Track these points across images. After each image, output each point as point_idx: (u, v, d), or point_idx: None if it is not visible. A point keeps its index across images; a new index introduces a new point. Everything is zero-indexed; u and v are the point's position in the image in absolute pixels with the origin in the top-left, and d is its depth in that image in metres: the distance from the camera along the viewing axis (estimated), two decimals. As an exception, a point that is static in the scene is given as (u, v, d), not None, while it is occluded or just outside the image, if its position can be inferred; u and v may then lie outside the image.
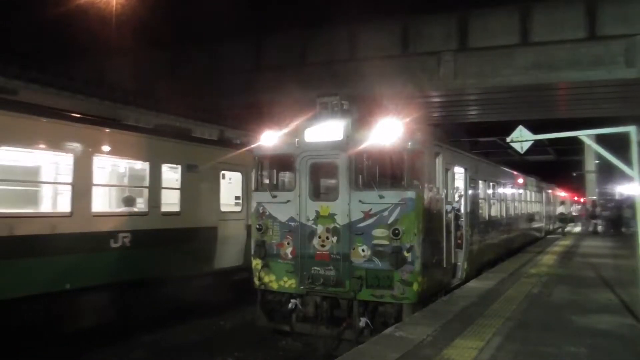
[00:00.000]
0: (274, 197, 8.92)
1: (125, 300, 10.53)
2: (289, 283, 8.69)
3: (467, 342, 6.11)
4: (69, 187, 9.53)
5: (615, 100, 22.90)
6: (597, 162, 34.73)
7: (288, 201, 8.76)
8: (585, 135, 8.38)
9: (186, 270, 11.59)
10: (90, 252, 9.73)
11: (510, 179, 17.26)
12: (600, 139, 9.04)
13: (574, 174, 48.07)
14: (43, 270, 8.93)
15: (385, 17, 22.32)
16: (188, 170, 11.90)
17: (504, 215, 15.59)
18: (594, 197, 36.39)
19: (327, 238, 8.35)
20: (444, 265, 9.12)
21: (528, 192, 21.00)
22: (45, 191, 10.35)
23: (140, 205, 11.26)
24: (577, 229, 33.94)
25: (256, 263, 9.04)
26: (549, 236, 27.11)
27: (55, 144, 9.42)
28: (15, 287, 8.54)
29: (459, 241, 10.24)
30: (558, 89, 21.35)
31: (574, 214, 36.10)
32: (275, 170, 9.60)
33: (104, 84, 21.35)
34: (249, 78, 23.19)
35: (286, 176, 9.51)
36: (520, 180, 18.96)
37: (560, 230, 32.63)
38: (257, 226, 9.05)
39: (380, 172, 8.43)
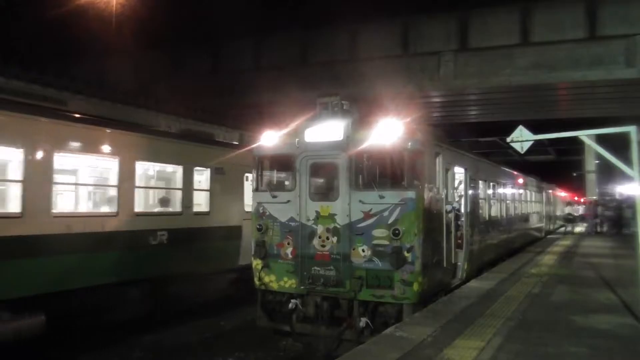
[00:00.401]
0: (274, 197, 8.92)
1: (160, 293, 11.20)
2: (289, 283, 8.69)
3: (467, 342, 6.11)
4: (116, 189, 10.43)
5: (615, 100, 22.86)
6: (597, 162, 34.66)
7: (288, 201, 8.76)
8: (585, 135, 8.38)
9: (214, 266, 12.41)
10: (134, 249, 10.59)
11: (511, 179, 17.26)
12: (601, 139, 9.03)
13: (574, 174, 48.02)
14: (93, 264, 9.78)
15: (385, 17, 22.29)
16: (216, 173, 12.69)
17: (504, 215, 15.58)
18: (598, 197, 36.32)
19: (327, 238, 8.35)
20: (444, 265, 9.12)
21: (528, 192, 21.00)
22: (96, 193, 11.30)
23: (175, 205, 12.06)
24: (578, 229, 33.92)
25: (256, 263, 9.04)
26: (549, 236, 27.12)
27: (106, 150, 10.34)
28: (70, 279, 9.35)
29: (459, 241, 10.24)
30: (558, 89, 21.31)
31: (575, 214, 36.15)
32: (275, 171, 9.60)
33: (104, 84, 21.37)
34: (249, 78, 23.15)
35: (286, 176, 9.51)
36: (521, 180, 18.96)
37: (563, 229, 32.64)
38: (258, 226, 9.05)
39: (380, 172, 8.42)
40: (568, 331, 6.78)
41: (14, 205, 8.85)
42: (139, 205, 11.08)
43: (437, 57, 21.02)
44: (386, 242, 7.90)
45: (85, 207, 10.98)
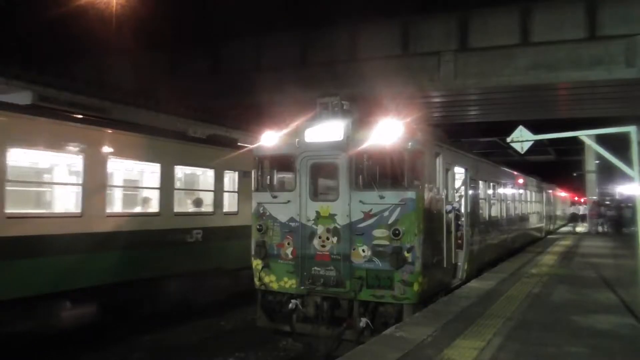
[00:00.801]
0: (275, 197, 8.92)
1: (195, 287, 12.01)
2: (290, 283, 8.68)
3: (467, 342, 6.11)
4: (157, 191, 11.40)
5: (615, 100, 22.87)
6: (597, 162, 34.66)
7: (288, 201, 8.75)
8: (585, 135, 8.38)
9: (241, 262, 13.04)
10: (174, 246, 11.52)
11: (511, 179, 17.26)
12: (601, 139, 9.05)
13: (575, 174, 48.01)
14: (144, 259, 10.82)
15: (385, 17, 22.30)
16: (244, 176, 13.35)
17: (504, 215, 15.58)
18: (602, 197, 36.40)
19: (328, 238, 8.35)
20: (445, 266, 9.11)
21: (528, 192, 20.99)
22: (141, 194, 12.28)
23: (208, 206, 12.95)
24: (579, 228, 33.90)
25: (256, 263, 9.04)
26: (549, 236, 27.12)
27: (152, 157, 11.32)
28: (120, 273, 10.28)
29: (459, 241, 10.24)
30: (558, 89, 21.32)
31: (579, 213, 36.32)
32: (275, 171, 9.60)
33: (104, 84, 21.39)
34: (249, 78, 23.16)
35: (286, 176, 9.51)
36: (521, 181, 18.95)
37: (572, 228, 32.69)
38: (258, 226, 9.04)
39: (380, 173, 8.42)
40: (568, 331, 6.78)
41: (75, 204, 9.81)
42: (177, 206, 11.97)
43: (437, 57, 21.03)
44: (386, 242, 7.89)
45: (133, 207, 11.75)
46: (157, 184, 11.40)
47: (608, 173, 33.82)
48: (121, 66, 24.33)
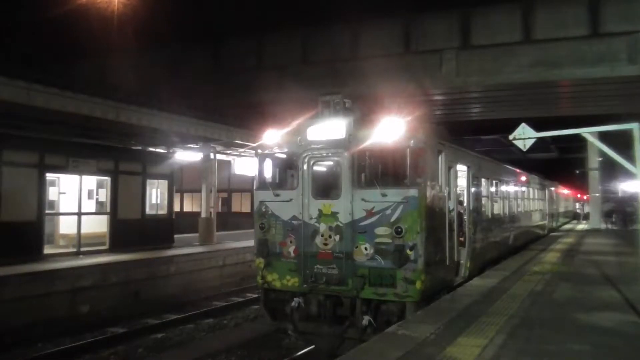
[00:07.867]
0: (277, 195, 8.92)
1: None
2: (292, 281, 8.68)
3: (470, 340, 6.10)
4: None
5: (618, 97, 22.78)
6: (600, 159, 34.56)
7: (290, 200, 8.75)
8: (588, 132, 8.36)
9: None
10: None
11: (513, 176, 17.23)
12: (603, 136, 9.03)
13: (577, 172, 47.90)
14: None
15: (386, 15, 22.26)
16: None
17: (507, 213, 15.56)
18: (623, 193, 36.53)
19: (330, 236, 8.34)
20: (447, 263, 9.11)
21: (531, 190, 20.96)
22: None
23: None
24: (580, 226, 33.81)
25: (259, 261, 9.04)
26: (552, 234, 27.08)
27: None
28: None
29: (462, 239, 10.23)
30: (560, 86, 21.24)
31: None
32: (277, 169, 9.60)
33: (105, 84, 21.43)
34: (250, 77, 23.13)
35: (288, 175, 9.51)
36: (523, 178, 18.92)
37: (610, 224, 32.80)
38: (260, 225, 9.04)
39: (382, 171, 8.42)
40: (571, 329, 6.76)
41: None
42: None
43: (439, 55, 20.95)
44: (389, 240, 7.88)
45: None
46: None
47: (611, 170, 33.76)
48: (121, 66, 24.33)
